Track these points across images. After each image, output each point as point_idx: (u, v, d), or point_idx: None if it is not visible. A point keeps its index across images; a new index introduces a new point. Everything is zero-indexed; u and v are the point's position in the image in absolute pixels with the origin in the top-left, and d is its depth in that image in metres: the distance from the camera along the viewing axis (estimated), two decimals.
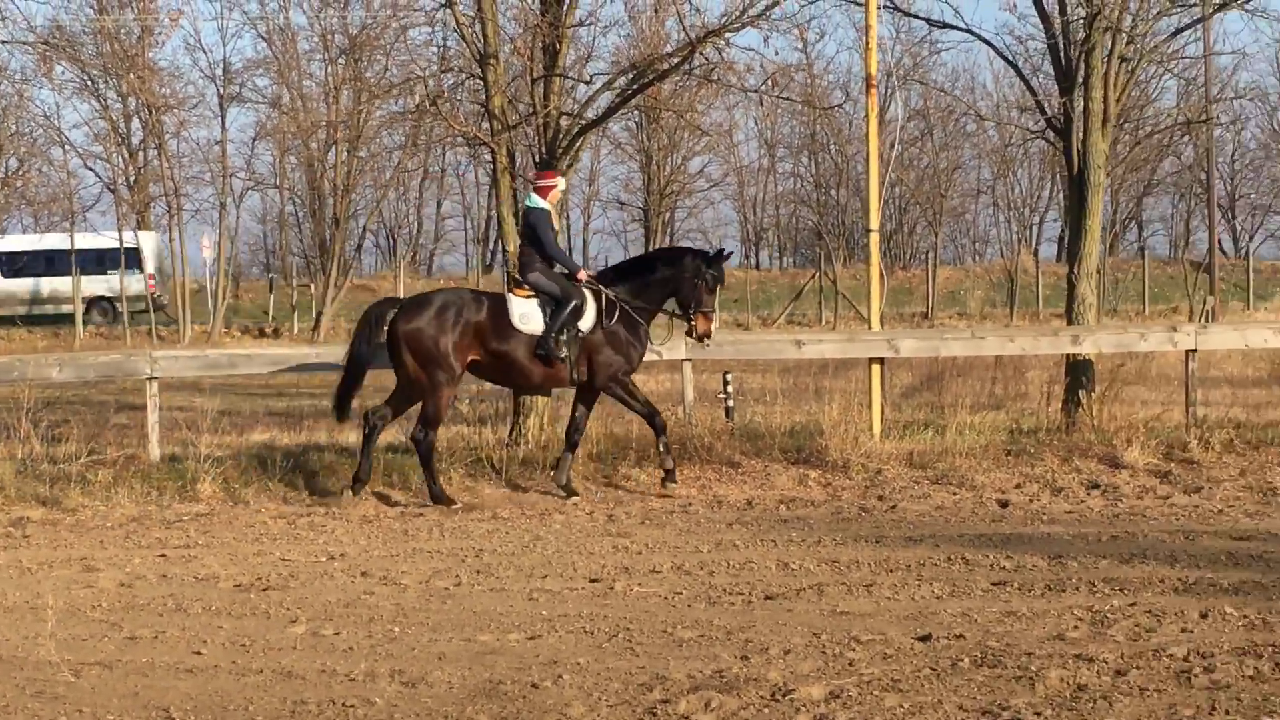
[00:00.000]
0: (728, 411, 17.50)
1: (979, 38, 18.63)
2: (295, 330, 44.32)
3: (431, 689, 8.17)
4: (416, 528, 13.33)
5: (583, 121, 17.33)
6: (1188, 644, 8.56)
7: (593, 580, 10.86)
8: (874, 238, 17.35)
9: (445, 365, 14.44)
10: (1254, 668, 8.05)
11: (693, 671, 8.31)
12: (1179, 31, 19.14)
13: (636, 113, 47.99)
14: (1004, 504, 13.91)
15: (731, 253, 16.49)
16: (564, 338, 14.61)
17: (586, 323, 14.77)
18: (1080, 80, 17.53)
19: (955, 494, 14.39)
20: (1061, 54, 17.83)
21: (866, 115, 17.03)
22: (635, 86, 17.70)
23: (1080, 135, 17.61)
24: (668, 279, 15.01)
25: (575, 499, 14.55)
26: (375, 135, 44.49)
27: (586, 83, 18.75)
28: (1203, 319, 33.87)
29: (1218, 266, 47.19)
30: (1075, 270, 17.66)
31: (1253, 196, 65.78)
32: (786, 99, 29.33)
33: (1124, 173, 53.92)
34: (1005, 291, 46.24)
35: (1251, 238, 64.13)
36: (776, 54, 23.02)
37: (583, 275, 15.02)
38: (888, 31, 29.32)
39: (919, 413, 18.03)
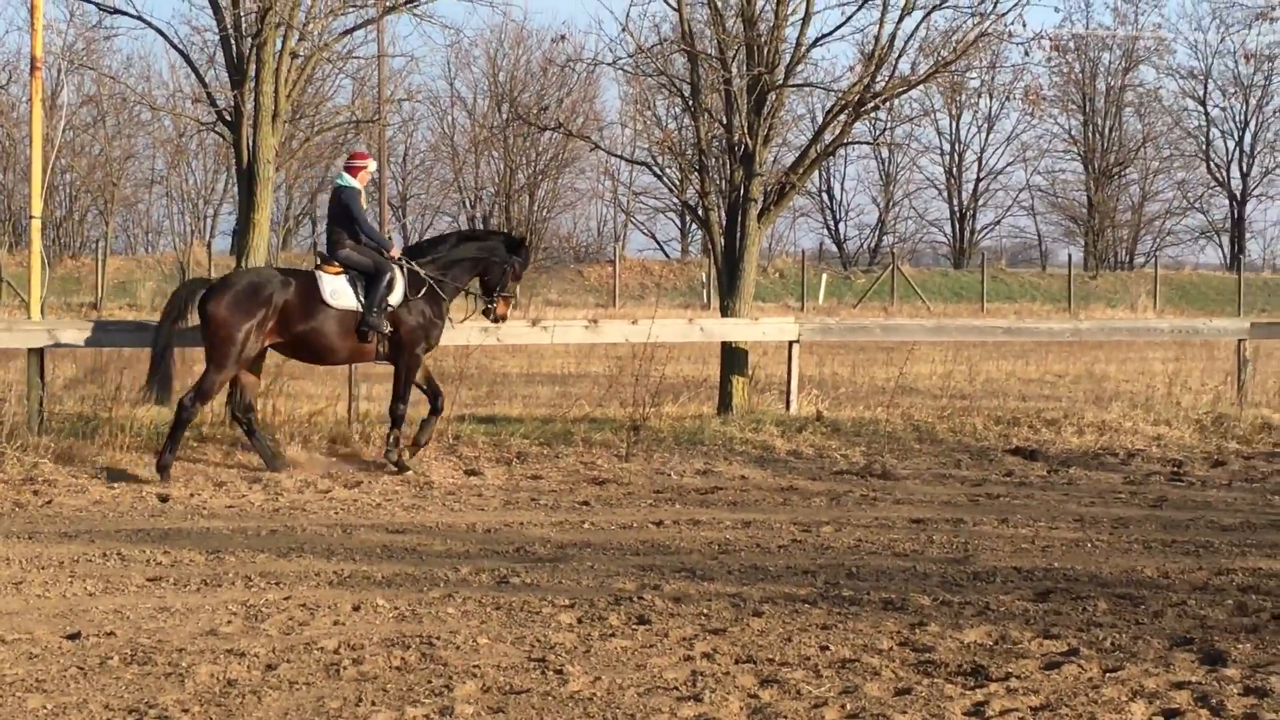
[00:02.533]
0: None
1: (150, 25, 18.36)
2: None
3: None
4: None
5: None
6: (339, 636, 8.68)
7: None
8: (35, 225, 16.74)
9: (242, 347, 14.52)
10: (401, 658, 8.26)
11: None
12: (350, 31, 19.49)
13: None
14: (164, 499, 13.70)
15: (532, 236, 16.73)
16: (380, 310, 14.90)
17: (396, 296, 15.06)
18: (252, 74, 17.54)
19: (115, 489, 14.06)
20: (234, 47, 17.77)
21: (31, 99, 16.41)
22: None
23: (251, 130, 17.62)
24: (476, 260, 15.51)
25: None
26: None
27: None
28: None
29: None
30: (242, 263, 17.63)
31: (423, 197, 68.11)
32: None
33: (299, 168, 54.52)
34: (177, 282, 45.72)
35: (421, 236, 66.18)
36: None
37: (394, 251, 15.31)
38: (60, 13, 28.35)
39: (83, 405, 17.47)
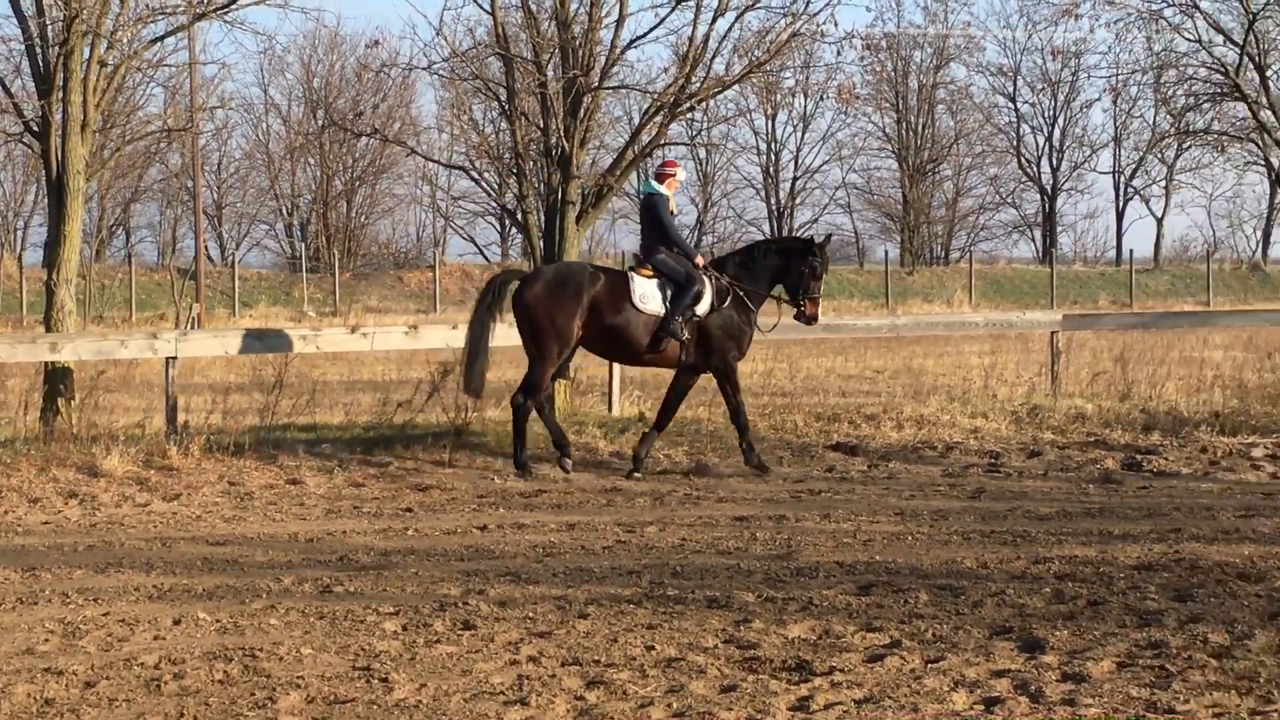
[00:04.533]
0: None
1: None
2: None
3: None
4: None
5: None
6: (159, 651, 8.55)
7: None
8: None
9: (561, 337, 15.22)
10: (224, 671, 8.15)
11: None
12: (161, 39, 19.20)
13: None
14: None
15: (830, 235, 17.68)
16: (684, 319, 15.31)
17: (703, 307, 15.49)
18: (60, 84, 17.20)
19: None
20: (40, 56, 17.43)
21: None
22: None
23: (60, 140, 17.28)
24: (776, 266, 15.81)
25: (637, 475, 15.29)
26: None
27: None
28: (187, 326, 34.18)
29: (204, 274, 47.88)
30: (54, 277, 17.31)
31: (239, 205, 67.29)
32: None
33: (111, 178, 53.65)
34: None
35: (239, 245, 65.52)
36: None
37: (700, 261, 15.70)
38: None
39: None
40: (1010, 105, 74.54)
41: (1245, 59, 22.54)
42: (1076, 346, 22.16)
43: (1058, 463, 15.98)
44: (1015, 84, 74.15)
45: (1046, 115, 74.74)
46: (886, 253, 64.69)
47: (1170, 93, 29.63)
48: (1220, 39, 22.96)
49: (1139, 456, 16.06)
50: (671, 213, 15.85)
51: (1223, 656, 8.19)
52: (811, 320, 16.22)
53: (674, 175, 16.06)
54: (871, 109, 71.48)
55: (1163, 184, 74.61)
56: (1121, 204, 76.03)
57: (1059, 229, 75.64)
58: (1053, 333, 20.28)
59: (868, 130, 73.20)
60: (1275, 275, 62.84)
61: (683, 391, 16.06)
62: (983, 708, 7.47)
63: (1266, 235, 75.83)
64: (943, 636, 8.76)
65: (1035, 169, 74.96)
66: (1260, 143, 26.19)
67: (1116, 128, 74.55)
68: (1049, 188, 74.91)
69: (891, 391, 21.47)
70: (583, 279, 15.41)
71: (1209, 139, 28.89)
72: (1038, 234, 76.03)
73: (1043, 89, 74.31)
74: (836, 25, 22.77)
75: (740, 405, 15.83)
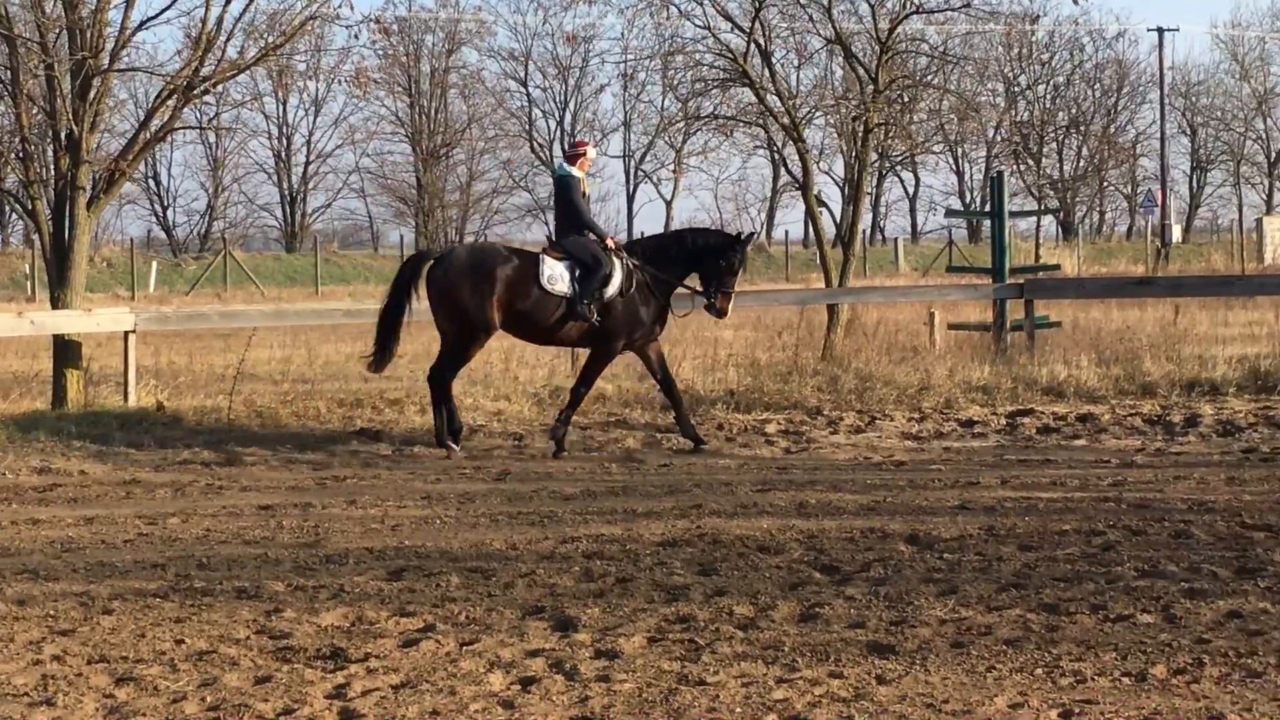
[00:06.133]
0: None
1: None
2: None
3: None
4: None
5: None
6: None
7: None
8: None
9: (481, 316, 15.34)
10: None
11: None
12: None
13: None
14: None
15: (755, 234, 15.40)
16: (590, 302, 15.26)
17: (611, 289, 15.44)
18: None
19: None
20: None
21: None
22: None
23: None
24: (693, 257, 15.84)
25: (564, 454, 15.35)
26: None
27: None
28: None
29: None
30: None
31: None
32: None
33: None
34: None
35: None
36: None
37: (611, 242, 15.73)
38: None
39: None
40: (523, 90, 75.49)
41: (752, 45, 23.33)
42: None
43: (580, 443, 16.25)
44: (527, 69, 75.13)
45: (558, 100, 75.99)
46: (402, 237, 64.75)
47: (679, 78, 30.46)
48: (728, 25, 23.67)
49: (658, 435, 16.49)
50: (584, 194, 15.96)
51: (748, 628, 8.49)
52: (721, 314, 16.24)
53: (585, 155, 16.12)
54: (384, 93, 71.31)
55: (672, 167, 76.77)
56: (632, 187, 77.93)
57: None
58: None
59: (381, 114, 73.00)
60: (779, 256, 65.29)
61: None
62: (519, 688, 7.55)
63: (771, 217, 78.91)
64: (476, 619, 8.82)
65: (548, 153, 76.11)
66: (766, 127, 27.15)
67: (626, 112, 76.37)
68: None
69: (414, 376, 21.42)
70: (495, 261, 15.56)
71: (717, 124, 29.80)
72: (550, 217, 77.17)
73: (555, 74, 75.52)
74: (353, 9, 22.55)
75: (588, 387, 16.19)
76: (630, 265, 15.86)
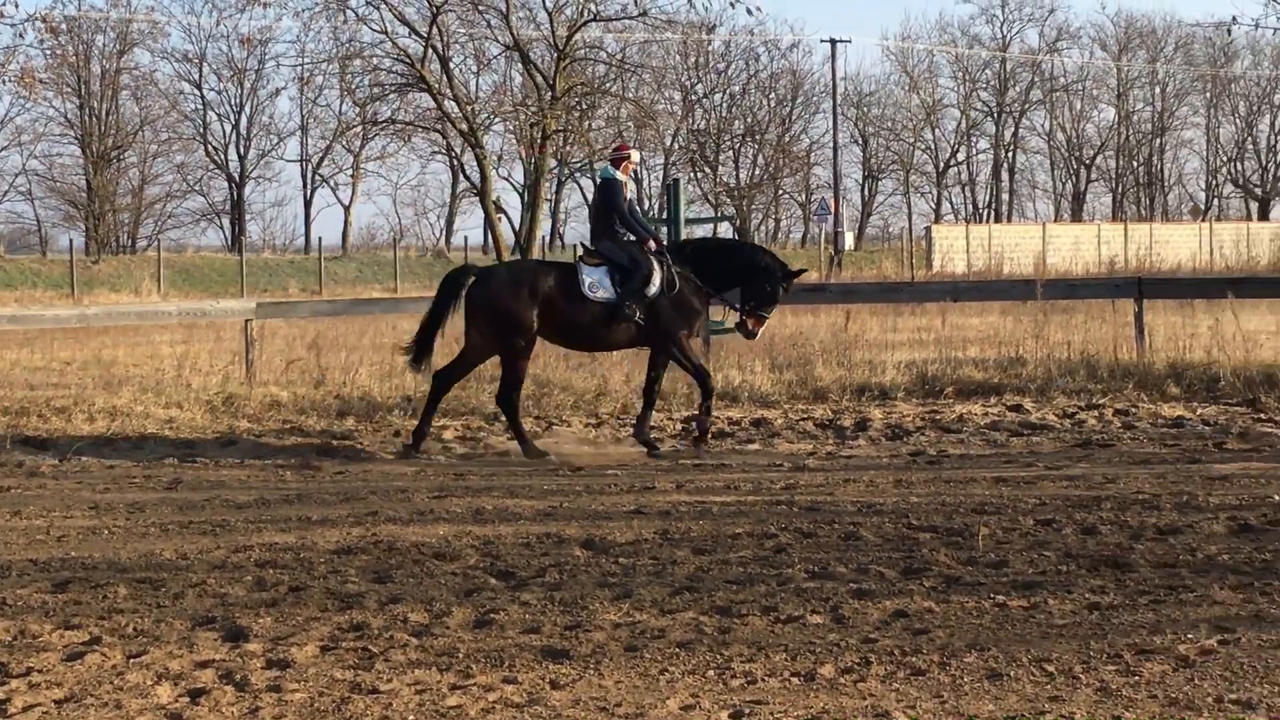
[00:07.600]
0: None
1: None
2: None
3: None
4: None
5: None
6: None
7: None
8: None
9: (523, 331, 15.38)
10: None
11: None
12: None
13: None
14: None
15: (805, 270, 17.64)
16: (635, 302, 15.35)
17: (653, 289, 15.47)
18: None
19: None
20: None
21: None
22: None
23: None
24: (738, 271, 15.96)
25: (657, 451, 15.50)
26: None
27: None
28: None
29: None
30: None
31: None
32: None
33: None
34: None
35: None
36: None
37: (652, 244, 15.75)
38: None
39: None
40: (196, 92, 74.11)
41: (430, 50, 23.29)
42: (270, 335, 22.28)
43: (254, 451, 16.01)
44: (201, 71, 73.79)
45: (234, 103, 74.78)
46: (71, 241, 62.94)
47: (356, 82, 30.25)
48: (405, 30, 23.62)
49: (334, 442, 16.34)
50: (626, 198, 15.74)
51: (423, 635, 8.46)
52: (752, 336, 16.35)
53: (628, 158, 16.03)
54: (53, 94, 69.20)
55: (350, 172, 76.15)
56: (309, 192, 77.13)
57: (248, 217, 75.89)
58: (246, 321, 20.30)
59: (49, 115, 70.90)
60: (458, 261, 65.25)
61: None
62: (188, 700, 7.40)
63: (450, 222, 78.83)
64: (144, 630, 8.62)
65: (223, 156, 74.83)
66: (444, 132, 27.11)
67: (304, 116, 75.54)
68: (237, 175, 74.96)
69: (82, 383, 20.87)
70: (537, 275, 15.64)
71: (395, 128, 29.64)
72: (227, 222, 75.97)
73: (230, 76, 74.31)
74: (18, 7, 21.93)
75: (661, 378, 16.17)
76: (671, 267, 15.86)
